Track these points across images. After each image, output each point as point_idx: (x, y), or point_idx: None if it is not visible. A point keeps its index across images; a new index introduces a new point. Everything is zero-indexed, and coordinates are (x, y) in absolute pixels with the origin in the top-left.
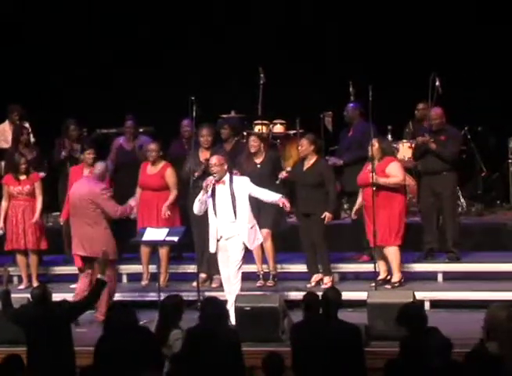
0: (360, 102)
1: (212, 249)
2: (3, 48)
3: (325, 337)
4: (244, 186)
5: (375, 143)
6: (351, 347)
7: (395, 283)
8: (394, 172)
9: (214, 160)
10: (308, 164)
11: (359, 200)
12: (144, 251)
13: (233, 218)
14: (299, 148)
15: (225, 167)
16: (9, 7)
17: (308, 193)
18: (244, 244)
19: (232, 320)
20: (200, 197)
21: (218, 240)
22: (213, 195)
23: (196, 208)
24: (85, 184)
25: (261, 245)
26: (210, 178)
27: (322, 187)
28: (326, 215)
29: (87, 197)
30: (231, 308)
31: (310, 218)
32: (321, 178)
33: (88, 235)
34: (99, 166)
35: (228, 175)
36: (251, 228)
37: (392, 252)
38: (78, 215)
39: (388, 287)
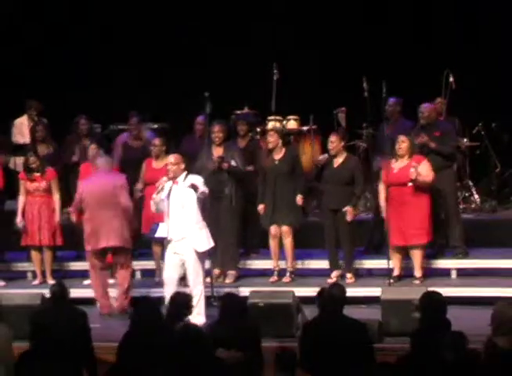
0: (400, 98)
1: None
2: (3, 48)
3: (330, 333)
4: (197, 182)
5: (405, 140)
6: (357, 343)
7: (421, 277)
8: (427, 171)
9: (171, 158)
10: (338, 160)
11: (383, 196)
12: (156, 247)
13: (181, 219)
14: (329, 145)
15: (182, 166)
16: (9, 7)
17: (338, 189)
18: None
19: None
20: (155, 196)
21: (169, 242)
22: (169, 195)
23: (152, 208)
24: (107, 177)
25: (280, 241)
26: (164, 178)
27: (351, 184)
28: (348, 209)
29: (113, 189)
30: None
31: (338, 215)
32: (352, 175)
33: (120, 226)
34: (101, 160)
35: (183, 174)
36: (199, 230)
37: (419, 250)
38: (108, 208)
39: (417, 282)
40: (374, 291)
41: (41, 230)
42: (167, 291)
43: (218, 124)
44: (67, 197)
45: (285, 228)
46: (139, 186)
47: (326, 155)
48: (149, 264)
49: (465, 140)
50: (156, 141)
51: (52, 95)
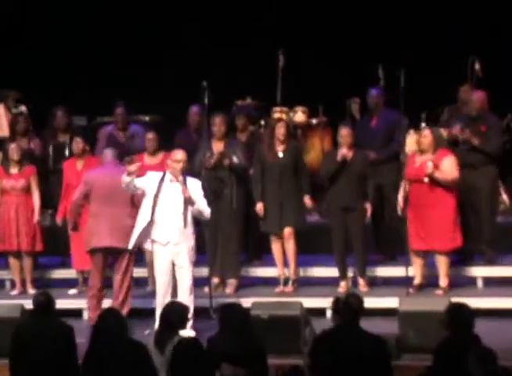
0: (382, 87)
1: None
2: (3, 48)
3: (345, 347)
4: (196, 190)
5: (428, 135)
6: (374, 360)
7: (446, 287)
8: (450, 169)
9: (179, 155)
10: (348, 155)
11: (402, 194)
12: (148, 254)
13: (183, 223)
14: (339, 138)
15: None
16: (9, 7)
17: (351, 185)
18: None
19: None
20: (126, 177)
21: (162, 245)
22: (158, 192)
23: (124, 183)
24: (114, 170)
25: (283, 246)
26: (138, 163)
27: (362, 180)
28: (369, 207)
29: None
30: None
31: (350, 214)
32: (363, 170)
33: (128, 227)
34: (108, 152)
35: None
36: (193, 239)
37: (442, 257)
38: (117, 205)
39: (440, 292)
40: (391, 302)
41: (20, 234)
42: (162, 300)
43: (219, 116)
44: (48, 198)
45: (288, 230)
46: None
47: (345, 150)
48: (140, 271)
49: None
50: (151, 135)
51: (52, 96)
